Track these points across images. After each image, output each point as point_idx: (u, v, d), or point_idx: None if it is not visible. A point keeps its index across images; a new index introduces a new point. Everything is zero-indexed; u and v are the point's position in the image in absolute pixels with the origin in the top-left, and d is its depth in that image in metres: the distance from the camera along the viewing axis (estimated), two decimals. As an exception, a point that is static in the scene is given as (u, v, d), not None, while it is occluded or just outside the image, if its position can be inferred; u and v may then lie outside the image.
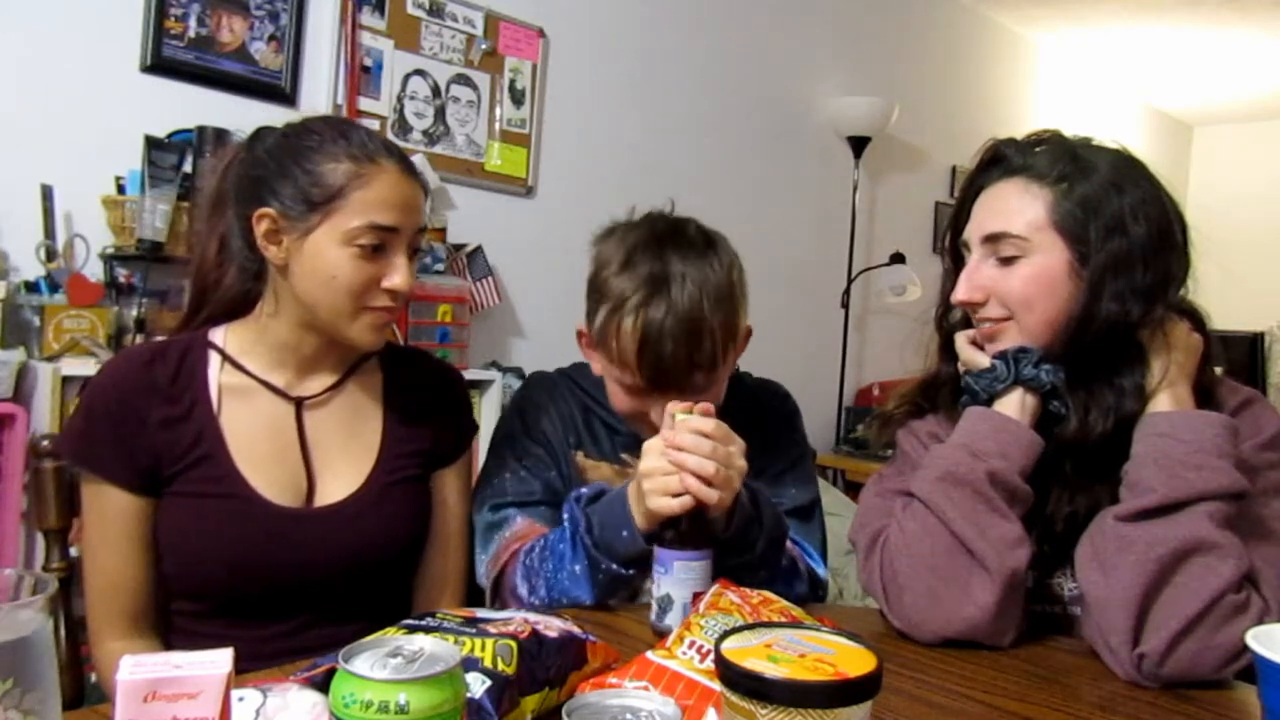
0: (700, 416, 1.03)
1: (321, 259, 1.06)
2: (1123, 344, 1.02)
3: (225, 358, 1.12)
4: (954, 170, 4.53)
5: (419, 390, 1.22)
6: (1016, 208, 1.04)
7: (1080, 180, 1.02)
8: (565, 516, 1.13)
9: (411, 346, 1.30)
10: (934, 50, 4.44)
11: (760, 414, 1.31)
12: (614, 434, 1.29)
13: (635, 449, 1.19)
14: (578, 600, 1.10)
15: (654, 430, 1.12)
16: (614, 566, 1.08)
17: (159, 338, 1.19)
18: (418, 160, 2.59)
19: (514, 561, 1.16)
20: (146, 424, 1.06)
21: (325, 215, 1.05)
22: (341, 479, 1.13)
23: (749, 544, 1.10)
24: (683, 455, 1.01)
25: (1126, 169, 1.04)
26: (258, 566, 1.06)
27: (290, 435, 1.12)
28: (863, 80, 3.93)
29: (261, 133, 1.13)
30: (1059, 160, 1.04)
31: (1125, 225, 1.01)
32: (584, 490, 1.15)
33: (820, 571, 1.25)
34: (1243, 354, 4.12)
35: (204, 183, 1.17)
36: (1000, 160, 1.09)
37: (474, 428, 1.29)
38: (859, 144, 3.80)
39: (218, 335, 1.14)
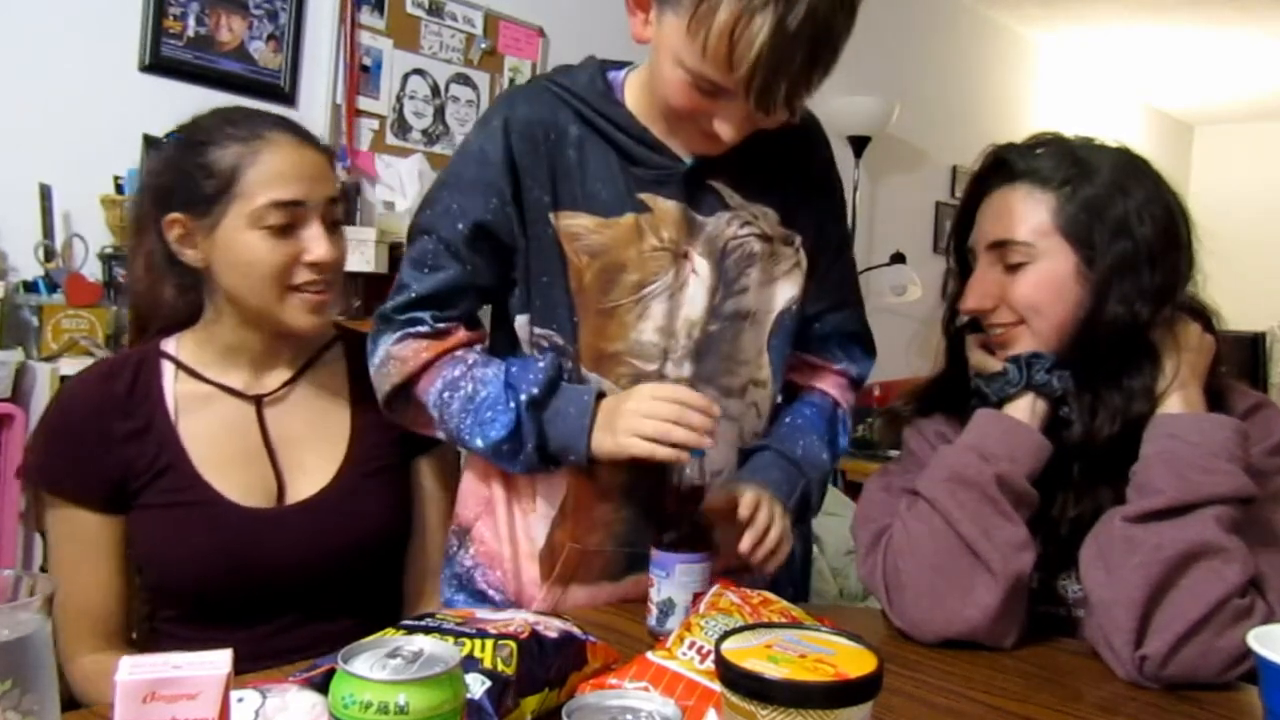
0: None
1: (235, 249, 1.04)
2: (1132, 346, 1.02)
3: (179, 366, 1.11)
4: (954, 170, 4.53)
5: None
6: (1020, 214, 1.04)
7: (1083, 183, 1.02)
8: (508, 413, 1.00)
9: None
10: (934, 50, 4.44)
11: (793, 155, 1.12)
12: (630, 161, 1.04)
13: (658, 185, 1.04)
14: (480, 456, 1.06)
15: (703, 140, 1.00)
16: (552, 468, 1.03)
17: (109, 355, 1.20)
18: (416, 160, 2.59)
19: (431, 375, 1.04)
20: (110, 440, 1.05)
21: (226, 204, 1.03)
22: (311, 474, 1.11)
23: (808, 507, 1.14)
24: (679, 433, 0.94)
25: (1130, 169, 1.04)
26: (234, 571, 1.05)
27: (253, 435, 1.10)
28: (863, 80, 3.92)
29: (159, 143, 1.14)
30: (1061, 164, 1.04)
31: (1130, 227, 1.00)
32: (534, 389, 1.00)
33: (856, 371, 1.25)
34: (1243, 354, 4.12)
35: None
36: (1002, 166, 1.08)
37: None
38: (859, 144, 3.80)
39: (170, 345, 1.13)
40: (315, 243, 1.06)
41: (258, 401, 1.12)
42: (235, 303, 1.08)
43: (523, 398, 1.00)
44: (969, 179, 1.13)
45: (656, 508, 1.07)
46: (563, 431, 1.01)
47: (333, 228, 1.08)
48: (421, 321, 1.06)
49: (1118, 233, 1.00)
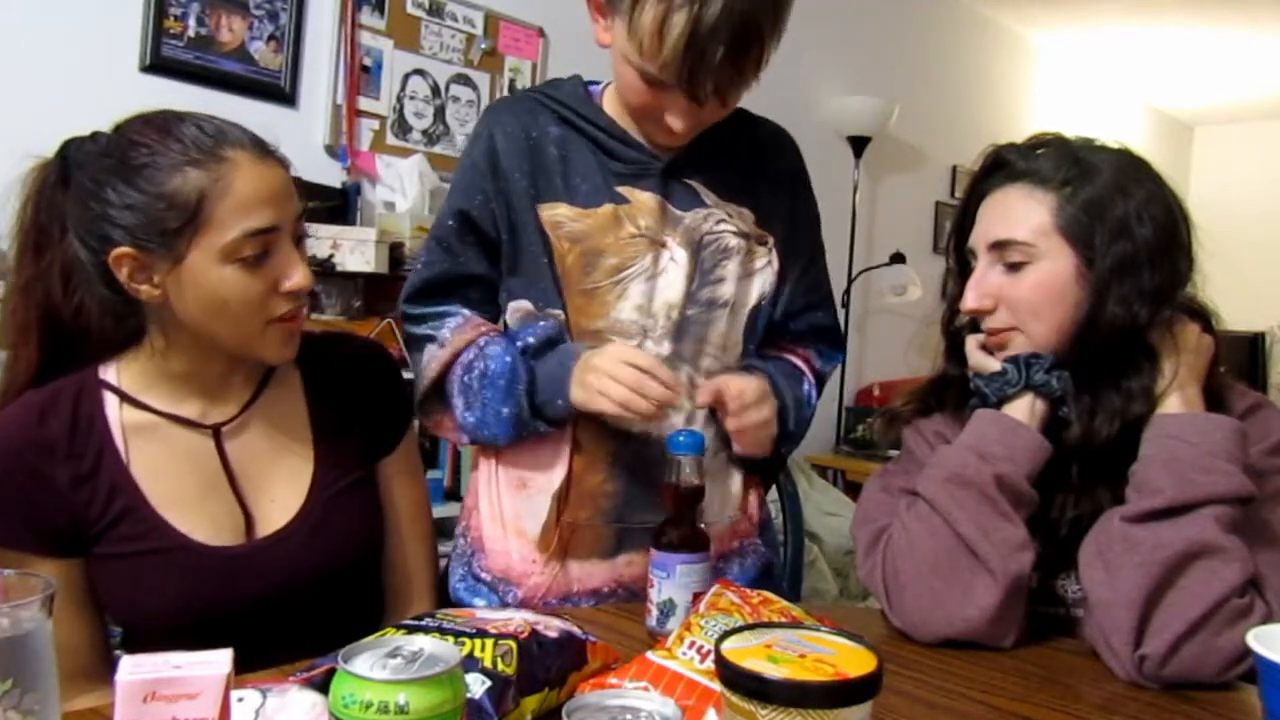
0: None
1: (203, 285, 0.94)
2: (1130, 347, 1.02)
3: (123, 396, 1.00)
4: (954, 170, 4.53)
5: (342, 380, 1.12)
6: (1021, 214, 1.04)
7: (1084, 184, 1.02)
8: (506, 357, 1.12)
9: (325, 331, 1.15)
10: (934, 50, 4.44)
11: (765, 160, 1.23)
12: (609, 157, 1.14)
13: (636, 178, 1.13)
14: (495, 438, 1.14)
15: (664, 132, 1.08)
16: (542, 426, 1.12)
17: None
18: (416, 160, 2.59)
19: (452, 373, 1.15)
20: (54, 488, 0.95)
21: (192, 237, 0.92)
22: (280, 503, 1.04)
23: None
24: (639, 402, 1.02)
25: (1130, 170, 1.04)
26: (210, 614, 0.98)
27: (214, 468, 1.01)
28: (863, 80, 3.93)
29: (73, 155, 0.98)
30: (1062, 164, 1.04)
31: (1130, 228, 1.00)
32: (530, 338, 1.13)
33: (819, 364, 1.28)
34: (1243, 354, 4.12)
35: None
36: (1002, 166, 1.08)
37: (410, 406, 1.19)
38: (859, 144, 3.80)
39: (109, 373, 1.01)
40: (293, 269, 0.97)
41: (216, 431, 1.02)
42: (198, 335, 0.98)
43: (518, 345, 1.13)
44: (969, 179, 1.13)
45: (644, 483, 1.13)
46: (548, 377, 1.10)
47: (299, 245, 1.01)
48: (428, 320, 1.16)
49: (1118, 234, 1.00)
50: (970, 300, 1.07)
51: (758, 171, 1.20)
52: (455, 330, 1.15)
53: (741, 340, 1.19)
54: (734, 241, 1.16)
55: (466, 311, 1.16)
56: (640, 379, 1.02)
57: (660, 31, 0.97)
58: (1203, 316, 1.07)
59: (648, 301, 1.13)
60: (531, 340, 1.13)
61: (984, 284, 1.06)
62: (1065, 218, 1.02)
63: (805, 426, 1.24)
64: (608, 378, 1.03)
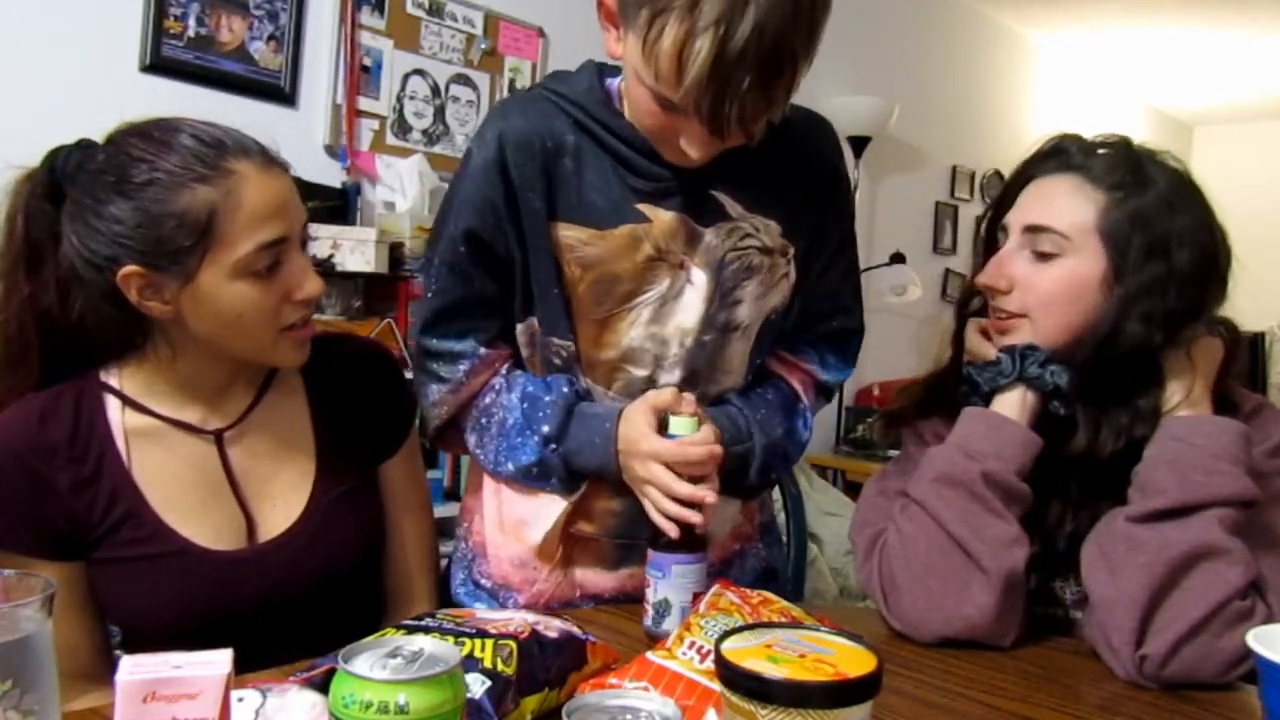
0: (691, 445, 1.00)
1: (217, 300, 0.93)
2: (1143, 365, 1.00)
3: (125, 400, 1.00)
4: (954, 170, 4.53)
5: (344, 382, 1.11)
6: (1065, 205, 1.02)
7: (1136, 193, 1.01)
8: (531, 443, 1.08)
9: (325, 332, 1.12)
10: (934, 50, 4.43)
11: (798, 157, 1.12)
12: (630, 171, 1.04)
13: (658, 196, 1.04)
14: (508, 478, 1.11)
15: (677, 153, 0.98)
16: (581, 485, 1.09)
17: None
18: (416, 160, 2.59)
19: (468, 410, 1.13)
20: (55, 492, 0.95)
21: (204, 254, 0.91)
22: (281, 507, 1.04)
23: (745, 473, 1.13)
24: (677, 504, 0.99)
25: (1184, 191, 1.03)
26: (211, 618, 0.97)
27: (216, 473, 1.01)
28: (863, 80, 3.93)
29: (60, 166, 0.96)
30: (1118, 167, 1.02)
31: (1169, 248, 0.99)
32: (545, 427, 1.07)
33: (825, 376, 1.22)
34: (1243, 354, 4.12)
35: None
36: (1059, 154, 1.07)
37: (413, 407, 1.17)
38: (859, 144, 3.79)
39: (111, 377, 1.01)
40: (304, 277, 0.97)
41: (218, 437, 1.02)
42: (209, 345, 0.98)
43: (536, 438, 1.08)
44: (1023, 159, 1.10)
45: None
46: (591, 460, 1.07)
47: (303, 249, 1.00)
48: (441, 359, 1.11)
49: (1155, 251, 0.99)
50: (987, 276, 1.06)
51: (790, 171, 1.10)
52: (469, 374, 1.11)
53: (748, 359, 1.15)
54: (758, 259, 1.09)
55: (482, 351, 1.10)
56: (664, 505, 0.99)
57: (680, 56, 0.86)
58: (1225, 329, 1.05)
59: (661, 328, 1.08)
60: (548, 430, 1.07)
61: (1006, 263, 1.05)
62: (1110, 221, 1.00)
63: (791, 459, 1.19)
64: (643, 486, 1.02)
